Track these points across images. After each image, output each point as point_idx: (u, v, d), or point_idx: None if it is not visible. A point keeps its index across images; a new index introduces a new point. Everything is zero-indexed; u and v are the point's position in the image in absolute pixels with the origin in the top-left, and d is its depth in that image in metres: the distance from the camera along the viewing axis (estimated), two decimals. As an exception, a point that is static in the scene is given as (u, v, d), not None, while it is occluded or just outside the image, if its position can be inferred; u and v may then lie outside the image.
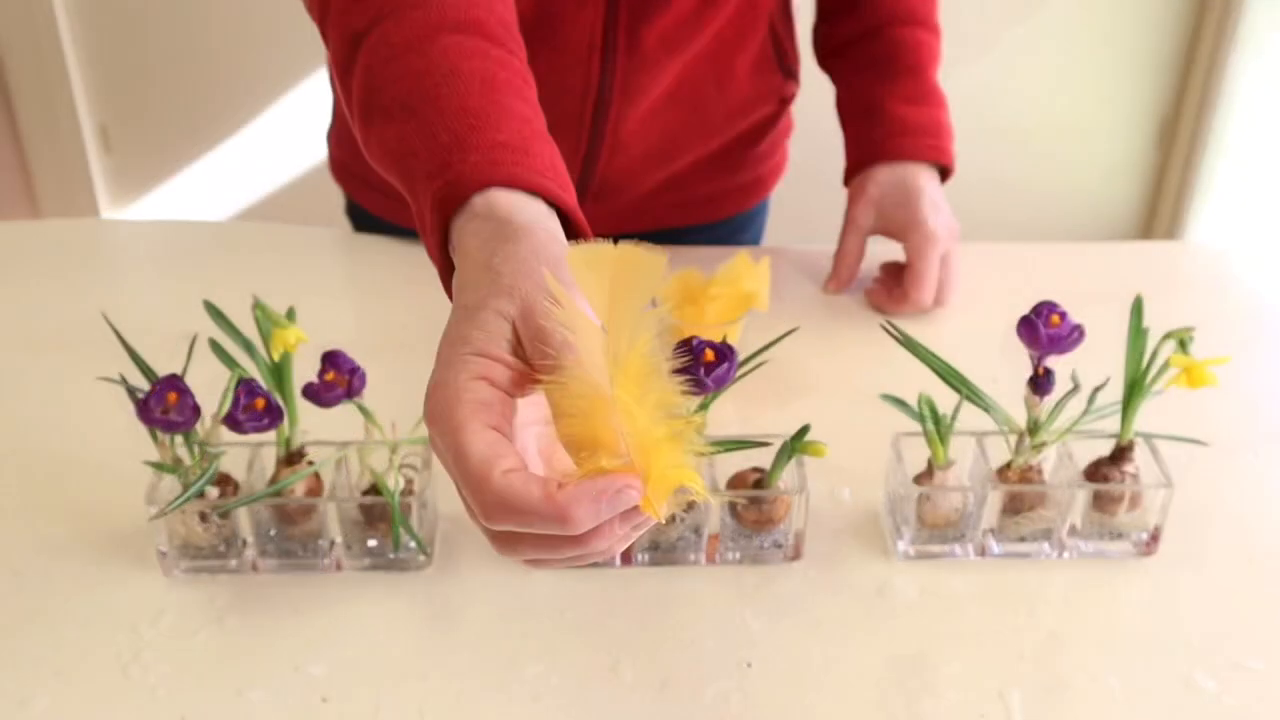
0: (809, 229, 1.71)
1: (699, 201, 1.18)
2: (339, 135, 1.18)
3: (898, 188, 1.07)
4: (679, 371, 0.51)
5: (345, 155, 1.18)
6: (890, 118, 1.09)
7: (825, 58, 1.16)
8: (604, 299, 0.51)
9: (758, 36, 1.09)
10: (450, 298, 0.60)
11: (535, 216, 0.60)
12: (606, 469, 0.49)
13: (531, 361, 0.53)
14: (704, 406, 0.77)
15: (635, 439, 0.50)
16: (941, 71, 1.12)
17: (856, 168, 1.11)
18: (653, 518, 0.51)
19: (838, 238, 1.11)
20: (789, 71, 1.14)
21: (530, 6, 0.95)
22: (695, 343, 0.74)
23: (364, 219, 1.21)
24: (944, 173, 1.10)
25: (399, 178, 0.66)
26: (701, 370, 0.73)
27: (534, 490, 0.49)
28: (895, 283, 1.08)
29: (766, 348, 0.81)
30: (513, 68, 0.69)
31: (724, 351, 0.73)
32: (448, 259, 0.62)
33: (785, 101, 1.17)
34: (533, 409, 0.55)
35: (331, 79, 0.92)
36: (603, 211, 1.13)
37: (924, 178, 1.07)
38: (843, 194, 1.12)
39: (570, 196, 0.63)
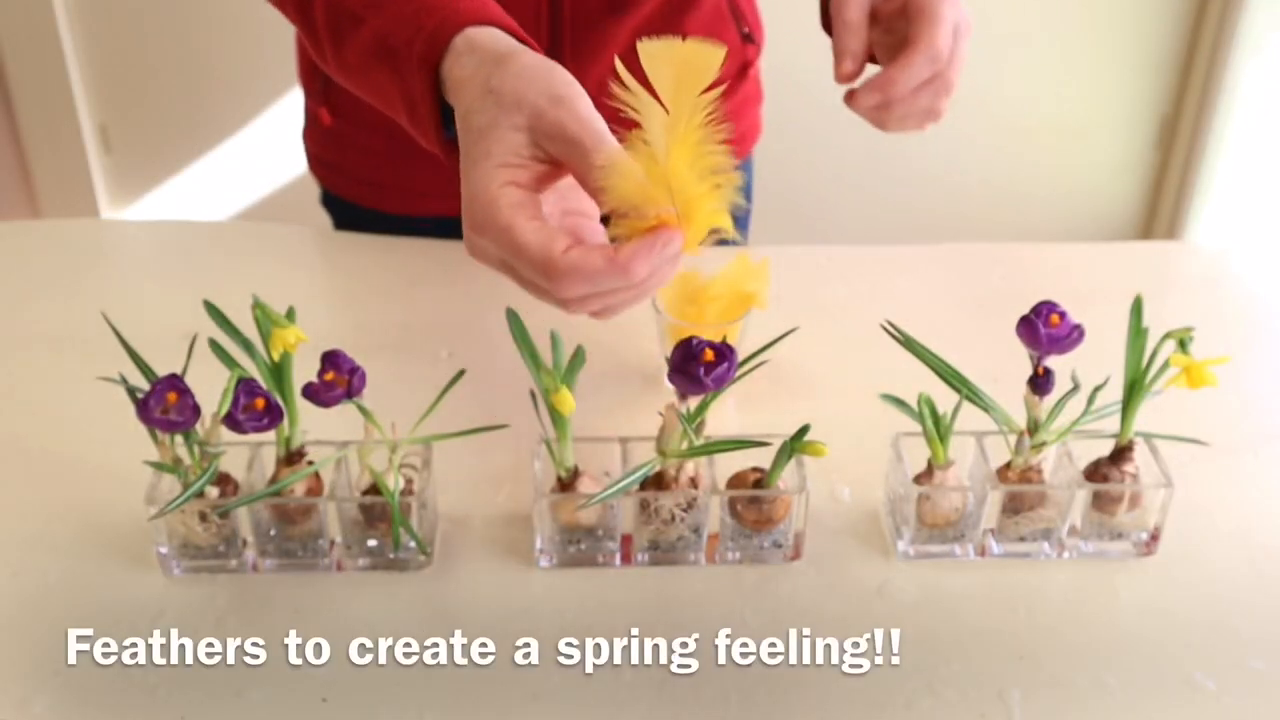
0: (809, 229, 1.71)
1: None
2: (311, 130, 1.20)
3: None
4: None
5: (318, 148, 1.20)
6: None
7: None
8: (670, 84, 0.63)
9: (707, 5, 1.06)
10: (450, 157, 0.70)
11: (513, 44, 0.68)
12: (654, 224, 0.61)
13: (553, 156, 0.64)
14: (704, 407, 0.77)
15: (681, 195, 0.62)
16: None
17: None
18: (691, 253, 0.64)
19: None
20: (747, 36, 1.11)
21: None
22: (695, 343, 0.74)
23: (339, 207, 1.22)
24: None
25: (385, 70, 0.71)
26: (701, 370, 0.73)
27: (595, 257, 0.61)
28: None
29: (766, 347, 0.81)
30: None
31: (724, 351, 0.73)
32: (441, 125, 0.70)
33: (746, 65, 1.14)
34: (550, 201, 0.66)
35: (299, 44, 0.93)
36: None
37: None
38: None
39: (529, 40, 0.70)
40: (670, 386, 0.76)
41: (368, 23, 0.72)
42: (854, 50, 0.85)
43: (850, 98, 0.84)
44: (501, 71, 0.66)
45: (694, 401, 0.77)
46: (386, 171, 1.15)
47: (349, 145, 1.16)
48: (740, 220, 1.27)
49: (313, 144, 1.21)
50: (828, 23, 0.93)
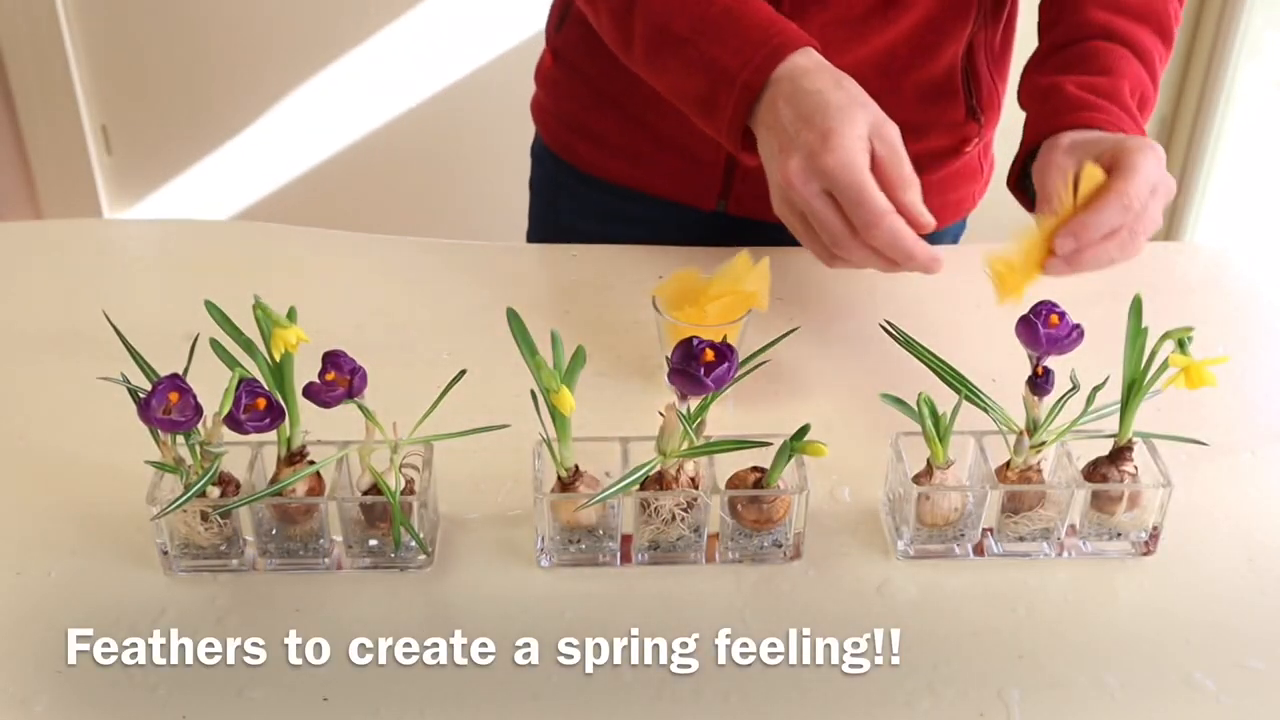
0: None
1: None
2: (539, 71, 1.23)
3: (1094, 137, 0.91)
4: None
5: (541, 91, 1.23)
6: (1069, 95, 0.96)
7: (1022, 80, 1.06)
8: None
9: (941, 63, 1.07)
10: (729, 131, 0.91)
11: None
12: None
13: (877, 154, 0.83)
14: (704, 407, 0.77)
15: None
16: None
17: (1031, 144, 0.97)
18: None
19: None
20: (973, 112, 1.11)
21: None
22: (695, 343, 0.74)
23: (543, 155, 1.26)
24: None
25: (703, 77, 0.91)
26: (701, 370, 0.73)
27: (910, 235, 0.82)
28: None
29: (767, 348, 0.82)
30: None
31: (724, 351, 0.74)
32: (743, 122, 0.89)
33: (964, 141, 1.13)
34: None
35: (597, 24, 1.02)
36: (749, 191, 1.13)
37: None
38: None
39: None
40: (670, 386, 0.76)
41: (693, 44, 0.91)
42: (1086, 237, 0.85)
43: (1053, 248, 0.86)
44: (844, 77, 0.86)
45: (694, 401, 0.77)
46: (588, 124, 1.17)
47: (562, 93, 1.19)
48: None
49: (538, 86, 1.24)
50: (1012, 181, 1.00)
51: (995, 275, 0.85)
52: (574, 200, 1.23)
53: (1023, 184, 0.99)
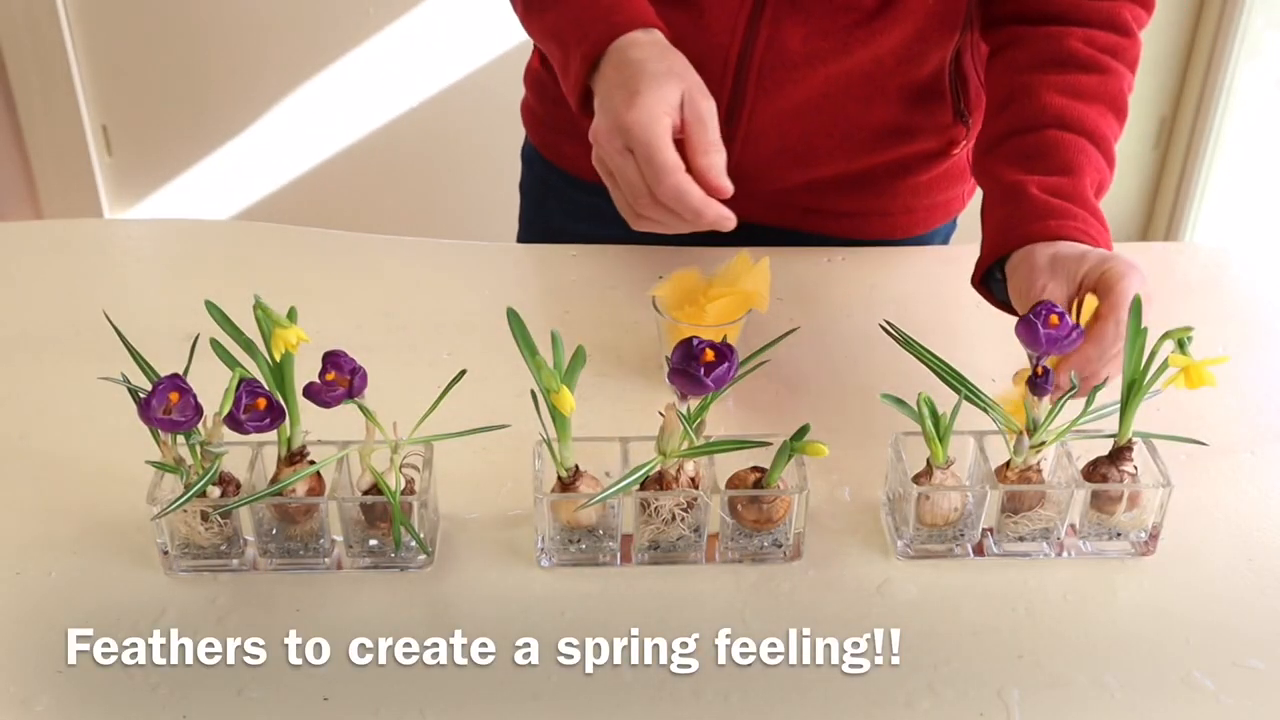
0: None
1: (837, 215, 1.16)
2: (528, 73, 1.25)
3: (1071, 250, 0.87)
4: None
5: (530, 93, 1.25)
6: (1035, 201, 0.92)
7: (976, 158, 1.03)
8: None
9: (927, 68, 1.07)
10: (576, 89, 0.95)
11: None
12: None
13: (684, 120, 0.87)
14: (704, 407, 0.77)
15: None
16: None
17: (994, 253, 0.92)
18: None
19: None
20: (960, 115, 1.11)
21: None
22: (695, 343, 0.74)
23: (532, 158, 1.28)
24: None
25: (556, 44, 0.97)
26: (701, 370, 0.73)
27: (696, 193, 0.85)
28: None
29: (767, 348, 0.82)
30: None
31: (724, 351, 0.74)
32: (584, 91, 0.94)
33: (952, 144, 1.13)
34: None
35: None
36: (739, 194, 1.13)
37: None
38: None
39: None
40: (670, 386, 0.76)
41: (554, 11, 0.97)
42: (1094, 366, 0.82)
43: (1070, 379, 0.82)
44: (674, 53, 0.91)
45: (694, 401, 0.77)
46: (577, 125, 1.16)
47: (549, 96, 1.19)
48: None
49: (526, 89, 1.26)
50: (977, 279, 0.95)
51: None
52: (563, 203, 1.23)
53: (987, 282, 0.95)
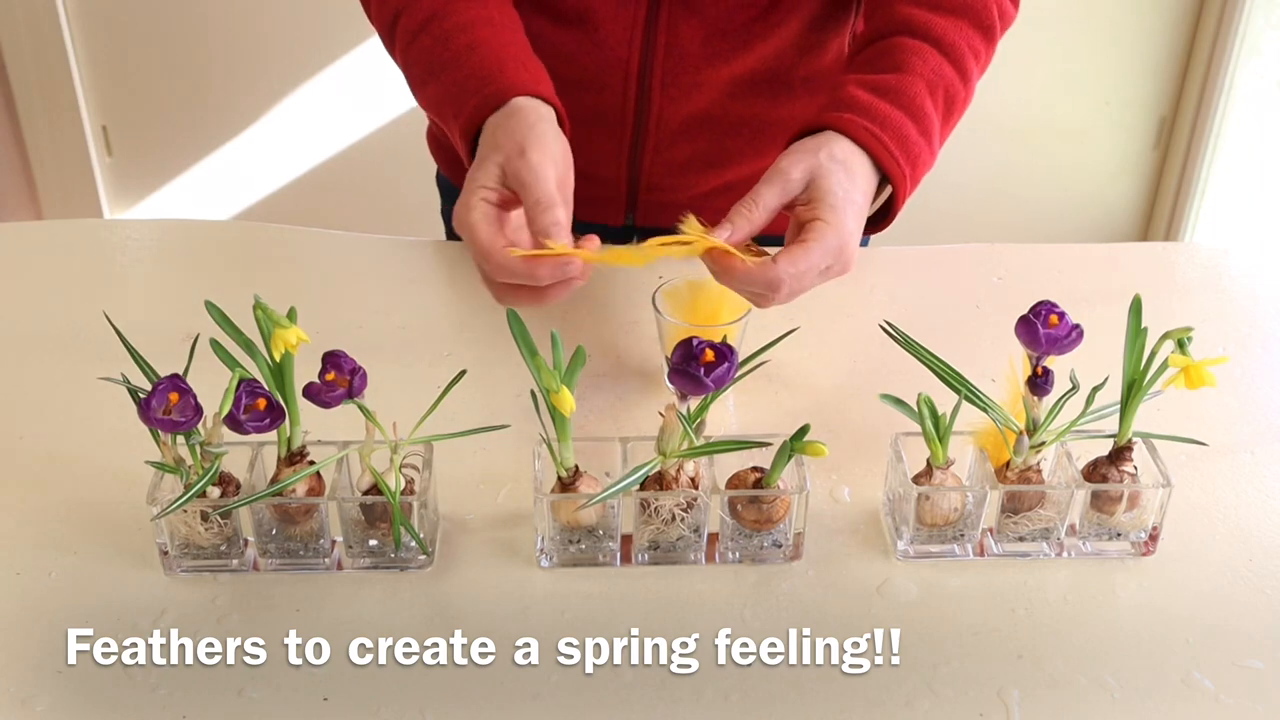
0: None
1: None
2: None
3: (846, 173, 0.87)
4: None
5: (436, 128, 1.24)
6: (845, 94, 0.92)
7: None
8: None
9: (827, 57, 1.07)
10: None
11: (531, 105, 0.89)
12: (561, 251, 0.79)
13: (513, 190, 0.83)
14: (704, 407, 0.78)
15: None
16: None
17: (802, 129, 0.92)
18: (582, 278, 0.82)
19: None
20: None
21: (573, 2, 1.01)
22: (695, 343, 0.74)
23: (446, 188, 1.29)
24: (890, 209, 0.94)
25: (438, 115, 0.95)
26: (701, 370, 0.73)
27: (517, 261, 0.80)
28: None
29: (767, 348, 0.82)
30: (490, 17, 0.95)
31: (724, 352, 0.74)
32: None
33: None
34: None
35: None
36: (656, 203, 1.14)
37: (866, 178, 0.89)
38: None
39: (548, 91, 0.92)
40: (670, 387, 0.77)
41: (431, 86, 0.95)
42: (739, 228, 0.85)
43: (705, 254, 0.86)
44: (504, 127, 0.87)
45: (694, 401, 0.77)
46: None
47: None
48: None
49: (430, 121, 1.24)
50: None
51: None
52: None
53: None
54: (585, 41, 1.03)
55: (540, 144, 0.85)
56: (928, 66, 0.94)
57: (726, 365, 0.74)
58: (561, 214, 0.82)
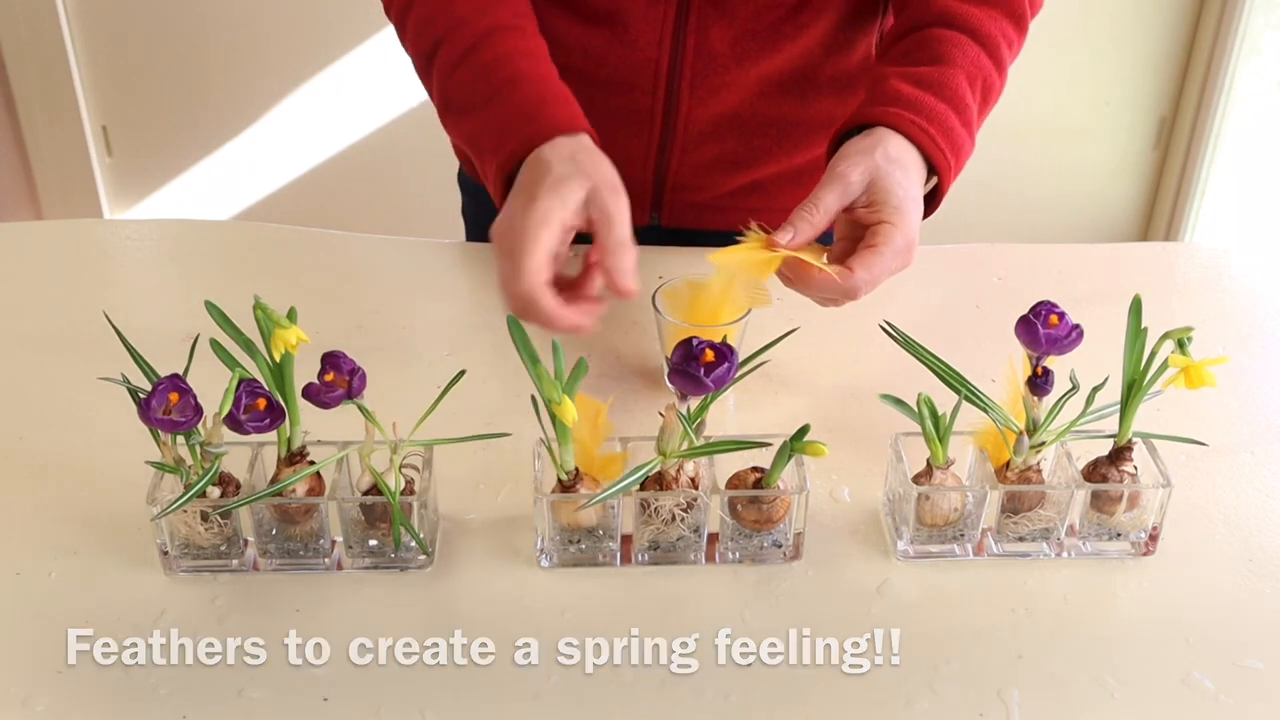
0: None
1: (783, 210, 1.14)
2: None
3: (902, 170, 0.90)
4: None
5: None
6: (889, 88, 0.94)
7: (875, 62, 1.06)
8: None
9: (855, 56, 1.07)
10: (497, 192, 0.92)
11: (591, 144, 0.90)
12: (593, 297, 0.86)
13: (592, 219, 0.84)
14: (704, 407, 0.77)
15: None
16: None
17: (849, 128, 0.95)
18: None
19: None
20: None
21: (603, 1, 1.01)
22: (695, 343, 0.74)
23: (469, 187, 1.28)
24: (936, 195, 0.96)
25: (473, 147, 0.95)
26: (701, 370, 0.73)
27: (549, 301, 0.82)
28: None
29: (767, 348, 0.82)
30: (529, 49, 0.96)
31: (724, 352, 0.74)
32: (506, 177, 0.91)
33: None
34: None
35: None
36: (681, 202, 1.14)
37: (918, 170, 0.92)
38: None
39: (585, 125, 0.92)
40: (671, 387, 0.76)
41: (469, 120, 0.95)
42: (801, 231, 0.88)
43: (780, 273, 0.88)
44: (586, 153, 0.88)
45: (694, 401, 0.77)
46: None
47: None
48: None
49: None
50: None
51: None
52: None
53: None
54: (615, 42, 1.03)
55: (622, 184, 0.87)
56: (966, 58, 0.97)
57: (726, 365, 0.74)
58: (631, 261, 0.85)
